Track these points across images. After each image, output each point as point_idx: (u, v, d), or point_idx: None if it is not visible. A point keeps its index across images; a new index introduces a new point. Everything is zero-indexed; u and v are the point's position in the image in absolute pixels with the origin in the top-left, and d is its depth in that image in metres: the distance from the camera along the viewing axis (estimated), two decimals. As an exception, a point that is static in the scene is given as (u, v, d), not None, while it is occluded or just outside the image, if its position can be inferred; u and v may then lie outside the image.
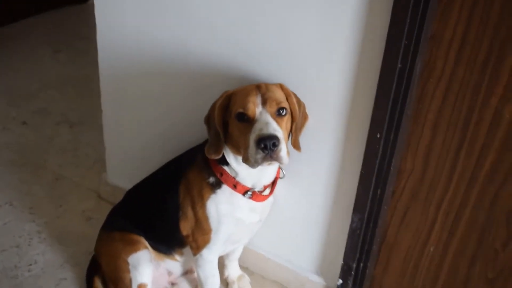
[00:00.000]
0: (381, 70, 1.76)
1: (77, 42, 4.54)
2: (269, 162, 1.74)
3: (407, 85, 1.76)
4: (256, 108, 1.77)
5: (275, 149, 1.71)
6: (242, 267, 2.45)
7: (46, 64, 4.18)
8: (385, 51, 1.73)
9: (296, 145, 1.90)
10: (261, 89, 1.80)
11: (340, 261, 2.19)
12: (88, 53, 4.36)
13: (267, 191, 2.00)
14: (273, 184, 2.02)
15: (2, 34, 4.55)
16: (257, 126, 1.74)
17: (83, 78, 3.99)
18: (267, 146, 1.69)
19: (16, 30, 4.66)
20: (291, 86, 1.89)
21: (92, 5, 2.35)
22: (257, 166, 1.74)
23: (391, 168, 1.93)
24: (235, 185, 1.93)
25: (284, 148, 1.73)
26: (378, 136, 1.86)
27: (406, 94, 1.78)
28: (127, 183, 2.41)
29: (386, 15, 1.69)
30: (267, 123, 1.73)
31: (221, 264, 2.31)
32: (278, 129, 1.74)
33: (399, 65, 1.72)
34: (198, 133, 2.15)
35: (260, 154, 1.71)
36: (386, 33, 1.70)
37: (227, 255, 2.33)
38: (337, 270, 2.22)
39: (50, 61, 4.24)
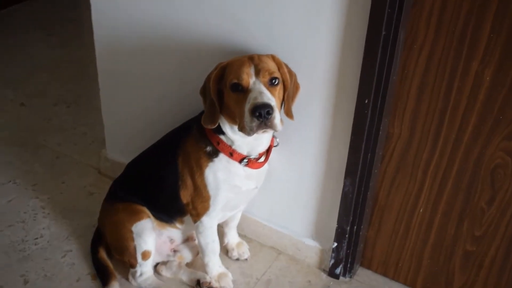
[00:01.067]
0: (367, 37, 1.83)
1: (69, 25, 4.58)
2: (264, 129, 1.83)
3: (391, 51, 1.84)
4: (249, 78, 1.85)
5: (269, 117, 1.79)
6: (241, 234, 2.53)
7: (39, 48, 4.22)
8: (369, 19, 1.80)
9: (289, 114, 1.98)
10: (254, 60, 1.88)
11: (334, 224, 2.27)
12: (79, 36, 4.41)
13: (262, 159, 2.08)
14: (268, 152, 2.09)
15: (-7, 20, 4.60)
16: (251, 96, 1.82)
17: (76, 60, 4.05)
18: (262, 114, 1.77)
19: (8, 15, 4.69)
20: (282, 57, 1.96)
21: (82, -12, 2.39)
22: (253, 134, 1.83)
23: (380, 132, 2.01)
24: (231, 153, 2.01)
25: (277, 115, 1.81)
26: (366, 102, 1.93)
27: (391, 61, 1.86)
28: (126, 158, 2.48)
29: (370, -17, 1.76)
30: (261, 93, 1.81)
31: (221, 232, 2.40)
32: (271, 98, 1.82)
33: (383, 32, 1.79)
34: (194, 105, 2.22)
35: (255, 122, 1.80)
36: (370, 1, 1.77)
37: (226, 223, 2.41)
38: (332, 233, 2.30)
39: (43, 45, 4.28)
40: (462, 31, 1.77)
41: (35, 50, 4.18)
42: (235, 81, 1.85)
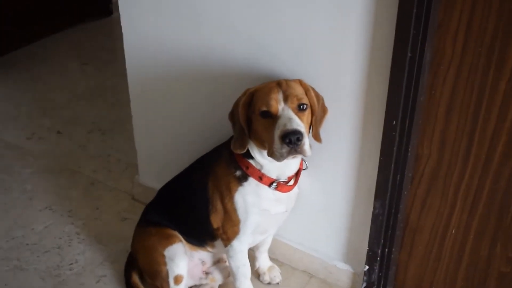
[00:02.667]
0: (392, 60, 1.84)
1: (103, 54, 4.68)
2: (294, 155, 1.84)
3: (418, 73, 1.84)
4: (278, 105, 1.87)
5: (299, 143, 1.80)
6: (272, 258, 2.53)
7: (74, 76, 4.32)
8: (395, 42, 1.80)
9: (316, 137, 1.99)
10: (282, 86, 1.90)
11: (365, 247, 2.26)
12: (113, 64, 4.49)
13: (291, 182, 2.09)
14: (297, 175, 2.10)
15: (32, 50, 4.71)
16: (280, 122, 1.83)
17: (110, 88, 4.13)
18: (292, 141, 1.79)
19: (44, 46, 4.81)
20: (309, 81, 1.98)
21: (116, 18, 2.46)
22: (283, 159, 1.85)
23: (409, 154, 2.00)
24: (260, 177, 2.02)
25: (307, 141, 1.83)
26: (394, 123, 1.93)
27: (418, 82, 1.85)
28: (158, 184, 2.51)
29: (394, 6, 1.77)
30: (290, 119, 1.83)
31: (252, 256, 2.40)
32: (300, 124, 1.84)
33: (409, 54, 1.80)
34: (224, 130, 2.25)
35: (285, 149, 1.81)
36: (395, 23, 1.78)
37: (257, 247, 2.42)
38: (363, 256, 2.28)
39: (78, 73, 4.38)
40: (488, 50, 1.77)
41: (71, 78, 4.28)
42: (264, 108, 1.87)
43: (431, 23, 1.77)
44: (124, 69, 2.56)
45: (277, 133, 1.83)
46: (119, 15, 2.43)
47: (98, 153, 3.36)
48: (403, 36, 1.78)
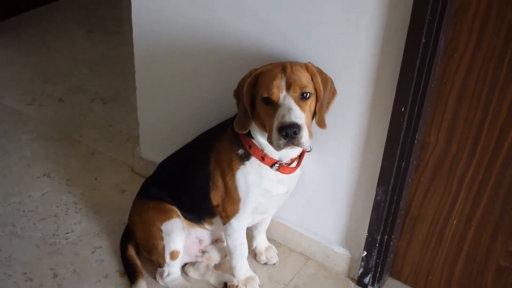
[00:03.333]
0: (406, 45, 1.80)
1: (109, 23, 4.63)
2: (291, 147, 1.83)
3: (431, 60, 1.81)
4: (280, 92, 1.83)
5: (296, 136, 1.78)
6: (270, 239, 2.52)
7: (79, 45, 4.28)
8: (409, 27, 1.77)
9: (321, 124, 1.95)
10: (287, 71, 1.85)
11: (364, 233, 2.24)
12: (119, 34, 4.45)
13: (294, 164, 2.06)
14: (300, 157, 2.08)
15: (37, 15, 4.66)
16: (280, 112, 1.81)
17: (115, 58, 4.08)
18: (288, 134, 1.77)
19: (50, 12, 4.75)
20: (318, 62, 1.94)
21: (123, -13, 2.41)
22: (279, 150, 1.84)
23: (415, 141, 1.98)
24: (263, 157, 2.00)
25: (305, 134, 1.80)
26: (403, 109, 1.90)
27: (430, 69, 1.82)
28: (159, 157, 2.49)
29: (411, -11, 1.74)
30: (289, 109, 1.80)
31: (250, 235, 2.39)
32: (300, 116, 1.80)
33: (423, 40, 1.76)
34: (228, 108, 2.22)
35: (282, 141, 1.80)
36: (411, 8, 1.75)
37: (256, 226, 2.40)
38: (362, 242, 2.27)
39: (84, 42, 4.33)
40: (504, 40, 1.73)
41: (75, 46, 4.23)
42: (266, 95, 1.84)
43: (448, 11, 1.73)
44: (130, 40, 2.52)
45: (275, 123, 1.81)
46: (127, -16, 2.39)
47: (99, 123, 3.33)
48: (419, 21, 1.74)
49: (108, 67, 3.96)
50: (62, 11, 4.79)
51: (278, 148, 1.82)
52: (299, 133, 1.77)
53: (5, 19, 4.53)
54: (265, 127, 1.90)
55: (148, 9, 2.39)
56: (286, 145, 1.80)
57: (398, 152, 2.00)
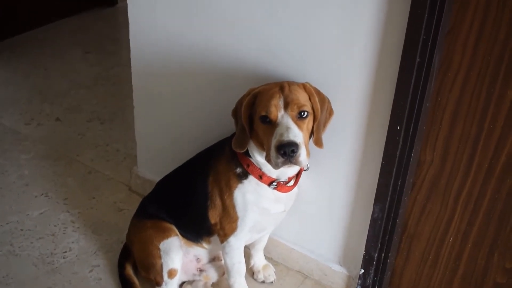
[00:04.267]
0: (401, 64, 1.83)
1: (106, 43, 4.66)
2: (289, 165, 1.84)
3: (425, 78, 1.83)
4: (278, 111, 1.85)
5: (294, 155, 1.80)
6: (267, 257, 2.52)
7: (76, 65, 4.30)
8: (404, 46, 1.79)
9: (318, 143, 1.96)
10: (284, 91, 1.87)
11: (361, 251, 2.25)
12: (116, 54, 4.48)
13: (291, 182, 2.08)
14: (298, 175, 2.09)
15: (35, 36, 4.69)
16: (278, 131, 1.82)
17: (112, 78, 4.11)
18: (286, 153, 1.78)
19: (47, 32, 4.78)
20: (314, 82, 1.96)
21: (120, 8, 2.45)
22: (277, 168, 1.85)
23: (411, 159, 1.99)
24: (261, 176, 2.01)
25: (303, 153, 1.82)
26: (398, 128, 1.92)
27: (425, 87, 1.85)
28: (156, 176, 2.50)
29: (405, 11, 1.76)
30: (288, 128, 1.82)
31: (247, 254, 2.39)
32: (298, 134, 1.82)
33: (417, 59, 1.79)
34: (226, 126, 2.24)
35: (280, 159, 1.81)
36: (405, 28, 1.77)
37: (253, 245, 2.41)
38: (359, 260, 2.28)
39: (81, 62, 4.35)
40: (497, 59, 1.76)
41: (73, 66, 4.26)
42: (264, 113, 1.86)
43: (442, 29, 1.76)
44: (126, 60, 2.55)
45: (273, 142, 1.82)
46: (123, 5, 2.43)
47: (96, 142, 3.34)
48: (413, 40, 1.77)
49: (105, 87, 3.98)
50: (59, 32, 4.82)
51: (276, 166, 1.83)
52: (297, 152, 1.79)
53: (2, 40, 4.55)
54: (263, 145, 1.92)
55: (146, 29, 2.42)
56: (284, 164, 1.82)
57: (394, 170, 2.01)
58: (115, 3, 5.29)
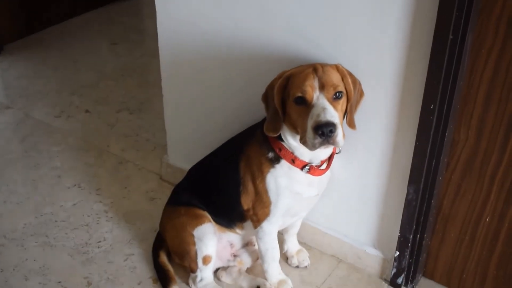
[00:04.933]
0: (433, 42, 1.80)
1: (132, 34, 4.68)
2: (326, 146, 1.82)
3: (458, 56, 1.80)
4: (313, 92, 1.83)
5: (332, 135, 1.78)
6: (301, 242, 2.52)
7: (103, 56, 4.33)
8: (436, 23, 1.76)
9: (351, 124, 1.96)
10: (318, 72, 1.85)
11: (396, 233, 2.23)
12: (142, 45, 4.50)
13: (324, 166, 2.06)
14: (330, 159, 2.08)
15: (62, 29, 4.73)
16: (314, 112, 1.81)
17: (139, 68, 4.13)
18: (325, 133, 1.77)
19: (74, 25, 4.82)
20: (346, 64, 1.94)
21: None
22: (314, 149, 1.83)
23: (445, 139, 1.97)
24: (293, 160, 2.00)
25: (340, 133, 1.80)
26: (432, 107, 1.89)
27: (458, 66, 1.81)
28: (187, 164, 2.50)
29: (437, -13, 1.73)
30: (324, 109, 1.80)
31: (281, 239, 2.38)
32: (335, 115, 1.81)
33: (450, 36, 1.75)
34: (256, 112, 2.22)
35: (318, 140, 1.79)
36: (438, 5, 1.74)
37: (286, 230, 2.40)
38: (394, 242, 2.25)
39: (108, 53, 4.38)
40: (533, 34, 1.72)
41: (100, 58, 4.29)
42: (299, 94, 1.84)
43: (474, 6, 1.72)
44: (152, 50, 2.57)
45: (310, 122, 1.80)
46: (148, -5, 2.42)
47: (126, 132, 3.36)
48: (446, 18, 1.74)
49: (132, 77, 4.00)
50: (85, 24, 4.86)
51: (313, 147, 1.81)
52: (335, 132, 1.77)
53: (31, 34, 4.62)
54: (296, 128, 1.90)
55: (173, 17, 2.41)
56: (321, 144, 1.80)
57: (428, 150, 1.99)
58: (139, -6, 5.32)
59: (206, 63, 2.42)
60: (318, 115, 1.78)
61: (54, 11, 4.75)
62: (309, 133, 1.80)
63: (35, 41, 4.53)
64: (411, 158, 2.05)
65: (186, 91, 2.58)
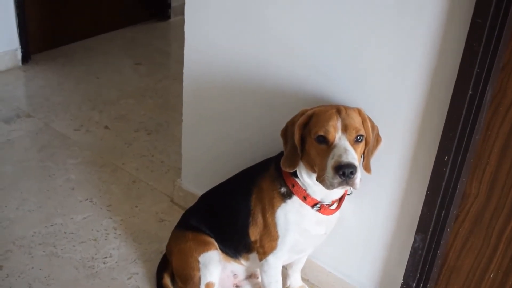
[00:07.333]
0: (452, 96, 1.83)
1: (157, 56, 4.76)
2: (344, 186, 1.85)
3: (476, 111, 1.83)
4: (336, 133, 1.86)
5: (352, 176, 1.80)
6: (304, 278, 2.52)
7: (126, 75, 4.41)
8: (457, 78, 1.80)
9: (367, 168, 1.99)
10: (341, 113, 1.89)
11: (400, 280, 2.23)
12: (166, 67, 4.58)
13: (334, 206, 2.08)
14: (341, 199, 2.10)
15: (88, 45, 4.83)
16: (336, 152, 1.83)
17: (160, 90, 4.19)
18: (346, 174, 1.79)
19: (100, 42, 4.92)
20: (364, 107, 1.98)
21: (173, 22, 2.50)
22: (332, 188, 1.85)
23: (456, 191, 1.98)
24: (305, 197, 2.03)
25: (359, 175, 1.83)
26: (446, 159, 1.92)
27: (475, 120, 1.84)
28: (199, 190, 2.54)
29: (460, 44, 1.77)
30: (346, 150, 1.83)
31: (284, 274, 2.39)
32: (356, 157, 1.84)
33: (470, 92, 1.78)
34: (272, 146, 2.26)
35: (337, 180, 1.81)
36: (459, 61, 1.78)
37: (291, 265, 2.42)
38: (396, 288, 2.27)
39: (131, 73, 4.46)
40: (551, 97, 1.75)
41: (123, 76, 4.36)
42: (321, 133, 1.87)
43: (496, 64, 1.75)
44: (175, 73, 2.62)
45: (330, 162, 1.83)
46: (176, 20, 2.50)
47: (142, 152, 3.41)
48: (467, 73, 1.77)
49: (152, 98, 4.07)
50: (112, 42, 4.95)
51: (331, 186, 1.83)
52: (355, 174, 1.80)
53: (59, 46, 4.72)
54: (313, 166, 1.93)
55: (200, 46, 2.47)
56: (340, 185, 1.82)
57: (439, 201, 2.00)
58: (168, 18, 5.42)
59: (227, 93, 2.47)
60: (340, 156, 1.81)
61: (82, 26, 4.86)
62: (329, 172, 1.82)
63: (62, 54, 4.63)
64: (421, 207, 2.06)
65: (205, 118, 2.62)
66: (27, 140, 3.43)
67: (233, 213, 2.19)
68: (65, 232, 2.71)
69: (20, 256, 2.55)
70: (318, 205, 2.03)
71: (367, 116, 1.95)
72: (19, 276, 2.44)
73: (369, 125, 1.93)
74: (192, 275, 2.22)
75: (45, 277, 2.45)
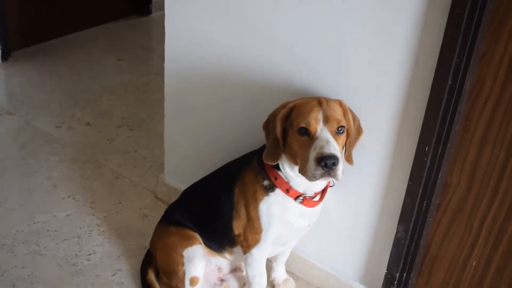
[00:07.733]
0: (432, 86, 1.84)
1: (139, 52, 4.73)
2: (326, 178, 1.85)
3: (456, 101, 1.84)
4: (317, 125, 1.87)
5: (334, 167, 1.81)
6: (288, 271, 2.53)
7: (108, 71, 4.38)
8: (436, 68, 1.81)
9: (349, 159, 2.00)
10: (323, 105, 1.89)
11: (383, 270, 2.25)
12: (147, 63, 4.55)
13: (317, 198, 2.09)
14: (324, 191, 2.11)
15: (69, 41, 4.78)
16: (317, 144, 1.84)
17: (143, 85, 4.17)
18: (328, 165, 1.80)
19: (81, 38, 4.88)
20: (345, 99, 1.98)
21: (154, 17, 2.48)
22: (314, 180, 1.85)
23: (438, 181, 2.00)
24: (287, 190, 2.03)
25: (341, 166, 1.83)
26: (427, 149, 1.93)
27: (455, 110, 1.86)
28: (182, 185, 2.53)
29: (439, 34, 1.78)
30: (328, 141, 1.83)
31: (269, 267, 2.40)
32: (337, 148, 1.84)
33: (449, 82, 1.80)
34: (255, 139, 2.26)
35: (319, 171, 1.82)
36: (438, 51, 1.79)
37: (275, 258, 2.42)
38: (380, 279, 2.27)
39: (113, 69, 4.43)
40: (530, 86, 1.77)
41: (105, 72, 4.33)
42: (303, 125, 1.87)
43: (475, 54, 1.77)
44: (157, 69, 2.60)
45: (312, 154, 1.83)
46: (158, 15, 2.48)
47: (125, 148, 3.39)
48: (446, 63, 1.78)
49: (135, 94, 4.05)
50: (93, 38, 4.92)
51: (313, 178, 1.84)
52: (337, 165, 1.81)
53: (39, 43, 4.67)
54: (296, 158, 1.93)
55: (181, 40, 2.46)
56: (322, 176, 1.83)
57: (420, 191, 2.02)
58: (149, 13, 5.38)
59: (210, 87, 2.46)
60: (322, 147, 1.82)
61: (62, 22, 4.81)
62: (311, 164, 1.83)
63: (42, 50, 4.58)
64: (403, 197, 2.08)
65: (187, 112, 2.62)
66: (8, 138, 3.41)
67: (216, 207, 2.19)
68: (48, 230, 2.70)
69: (3, 255, 2.53)
70: (301, 197, 2.03)
71: (348, 107, 1.96)
72: (2, 275, 2.43)
73: (350, 116, 1.94)
74: (176, 270, 2.22)
75: (28, 275, 2.43)
